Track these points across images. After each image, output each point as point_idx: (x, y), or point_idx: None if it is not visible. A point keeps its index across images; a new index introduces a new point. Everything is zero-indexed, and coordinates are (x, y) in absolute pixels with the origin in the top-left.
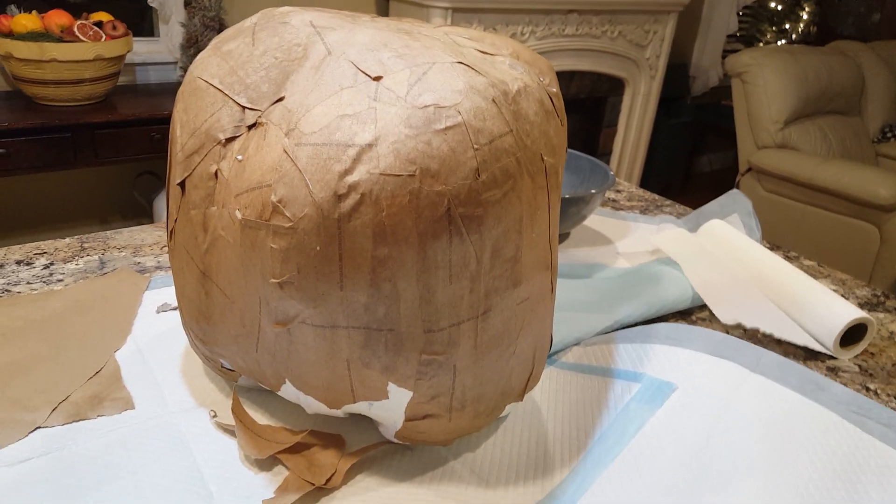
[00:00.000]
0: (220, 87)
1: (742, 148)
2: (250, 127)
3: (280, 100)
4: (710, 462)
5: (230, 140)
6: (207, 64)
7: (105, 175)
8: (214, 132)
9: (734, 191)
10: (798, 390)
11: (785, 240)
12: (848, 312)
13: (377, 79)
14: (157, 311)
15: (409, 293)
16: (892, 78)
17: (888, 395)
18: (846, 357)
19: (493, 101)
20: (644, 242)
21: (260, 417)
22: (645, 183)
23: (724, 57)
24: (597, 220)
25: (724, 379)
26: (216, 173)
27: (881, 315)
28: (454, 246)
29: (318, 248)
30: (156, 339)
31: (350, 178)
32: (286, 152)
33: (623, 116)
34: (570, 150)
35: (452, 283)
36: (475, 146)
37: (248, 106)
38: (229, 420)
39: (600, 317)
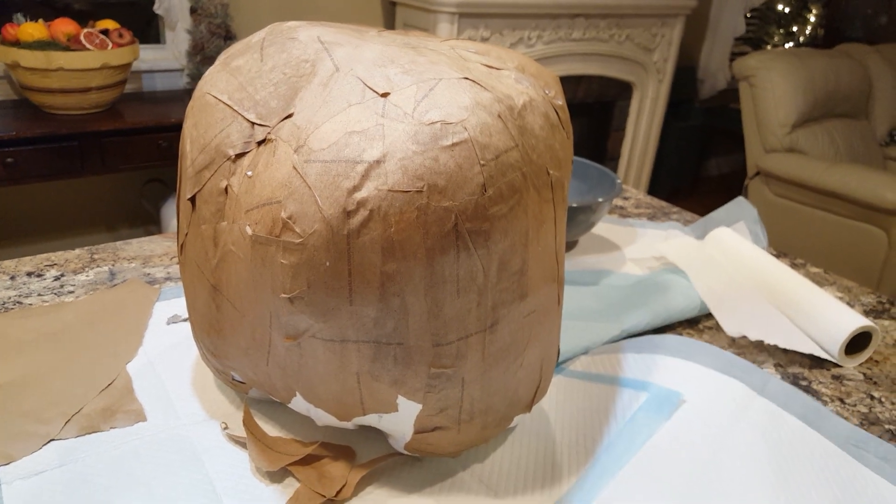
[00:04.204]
0: (229, 102)
1: (750, 152)
2: (260, 143)
3: (289, 116)
4: (716, 475)
5: (240, 156)
6: (216, 80)
7: (112, 183)
8: (224, 148)
9: (740, 198)
10: (801, 418)
11: (793, 244)
12: (853, 321)
13: (385, 95)
14: (168, 323)
15: (418, 307)
16: None
17: (892, 402)
18: (851, 365)
19: (499, 116)
20: (652, 249)
21: (271, 429)
22: (653, 187)
23: (731, 60)
24: (605, 227)
25: (732, 397)
26: (226, 189)
27: (886, 322)
28: (461, 260)
29: (327, 263)
30: (167, 350)
31: (359, 195)
32: (295, 169)
33: (631, 120)
34: (577, 158)
35: (460, 297)
36: (481, 162)
37: (258, 122)
38: (240, 432)
39: (608, 326)
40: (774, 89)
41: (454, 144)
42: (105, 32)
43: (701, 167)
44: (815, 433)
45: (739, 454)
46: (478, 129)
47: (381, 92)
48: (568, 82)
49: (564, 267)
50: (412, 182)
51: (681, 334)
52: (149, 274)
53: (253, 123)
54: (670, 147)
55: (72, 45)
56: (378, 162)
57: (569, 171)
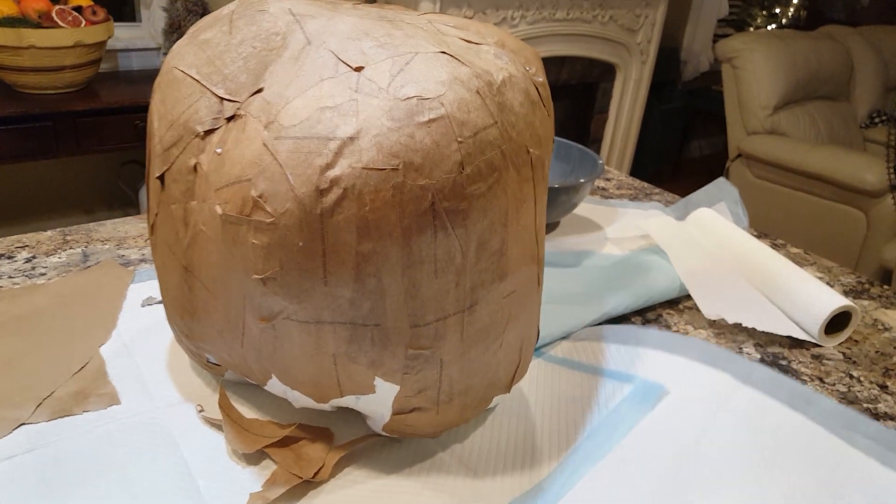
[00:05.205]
0: (197, 77)
1: (732, 134)
2: (229, 119)
3: (259, 91)
4: (697, 466)
5: (209, 132)
6: (184, 53)
7: (89, 164)
8: (192, 124)
9: (721, 179)
10: (787, 403)
11: (774, 225)
12: (832, 301)
13: (358, 69)
14: (143, 305)
15: (395, 288)
16: (881, 63)
17: (871, 381)
18: (831, 345)
19: (478, 92)
20: (633, 228)
21: (247, 411)
22: (636, 169)
23: (714, 42)
24: (586, 208)
25: (715, 388)
26: (195, 167)
27: (865, 302)
28: (439, 240)
29: (300, 243)
30: (141, 333)
31: (332, 173)
32: (266, 146)
33: (614, 102)
34: (559, 139)
35: (438, 278)
36: (459, 139)
37: (227, 97)
38: (216, 415)
39: (588, 308)
40: (757, 71)
41: (431, 121)
42: (78, 9)
43: (683, 149)
44: (801, 417)
45: (723, 442)
46: (455, 104)
47: (354, 66)
48: (551, 64)
49: (545, 248)
50: (387, 159)
51: (661, 315)
52: (123, 256)
53: (222, 99)
54: (653, 129)
55: (43, 22)
56: (352, 139)
57: (549, 149)
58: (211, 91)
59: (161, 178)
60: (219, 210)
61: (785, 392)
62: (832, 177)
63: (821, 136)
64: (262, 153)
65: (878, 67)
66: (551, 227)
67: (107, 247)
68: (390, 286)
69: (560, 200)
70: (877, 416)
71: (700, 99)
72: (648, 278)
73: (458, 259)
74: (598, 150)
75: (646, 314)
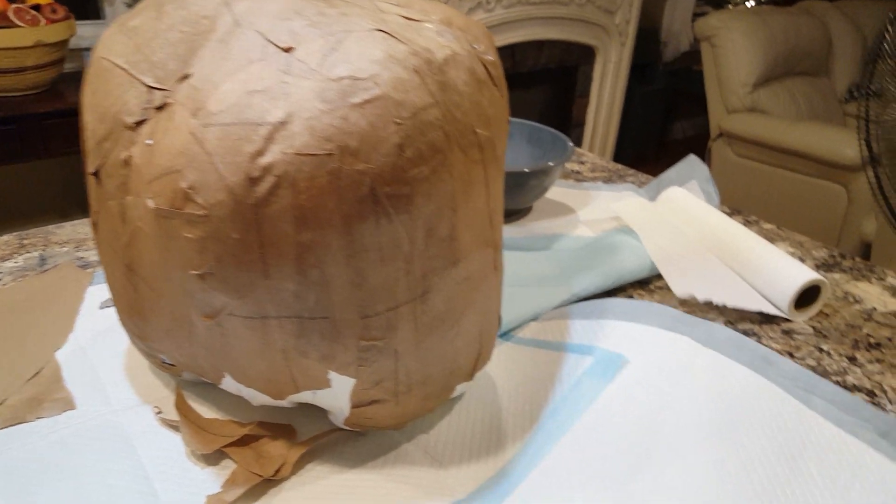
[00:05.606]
0: (125, 66)
1: (713, 113)
2: (159, 108)
3: (186, 77)
4: (660, 436)
5: (139, 123)
6: (112, 42)
7: (60, 168)
8: (122, 116)
9: (691, 156)
10: (749, 366)
11: (757, 203)
12: (801, 275)
13: (288, 50)
14: (101, 307)
15: (340, 279)
16: (859, 37)
17: (840, 354)
18: (802, 319)
19: (416, 70)
20: (606, 210)
21: (207, 411)
22: (619, 152)
23: (694, 21)
24: (560, 192)
25: (676, 354)
26: (128, 160)
27: (837, 276)
28: (382, 227)
29: (235, 236)
30: (99, 336)
31: (263, 160)
32: (193, 134)
33: (595, 85)
34: (530, 123)
35: (385, 266)
36: (397, 120)
37: (155, 86)
38: (175, 416)
39: (557, 290)
40: (735, 49)
41: (365, 102)
42: (36, 8)
43: (666, 131)
44: (762, 379)
45: (684, 409)
46: (391, 84)
47: (284, 47)
48: (530, 48)
49: (519, 233)
50: (320, 144)
51: (632, 296)
52: (82, 258)
53: (150, 87)
54: (635, 112)
55: (0, 21)
56: (282, 123)
57: (503, 130)
58: (139, 80)
59: (96, 173)
60: (151, 204)
61: (746, 354)
62: (812, 152)
63: (801, 113)
64: (190, 142)
65: (856, 42)
66: (524, 211)
67: (65, 249)
68: (335, 277)
69: (531, 185)
70: (846, 388)
71: (682, 80)
72: (619, 258)
73: (406, 246)
74: (580, 134)
75: (616, 294)
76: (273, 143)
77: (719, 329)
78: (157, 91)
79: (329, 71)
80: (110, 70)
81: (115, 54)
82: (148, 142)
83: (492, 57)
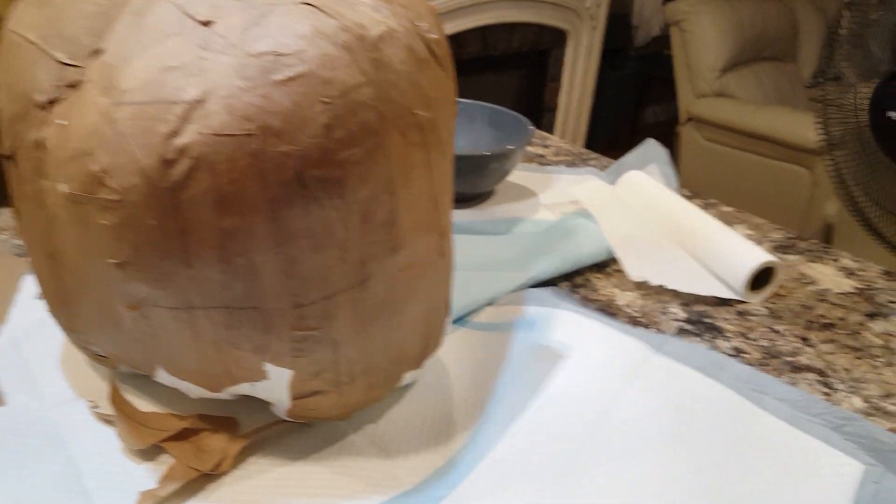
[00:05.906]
0: (36, 41)
1: (682, 97)
2: (72, 86)
3: (99, 53)
4: (610, 432)
5: (52, 102)
6: (23, 15)
7: None
8: (34, 94)
9: (650, 140)
10: (700, 370)
11: (725, 187)
12: (755, 257)
13: (207, 24)
14: (38, 297)
15: (269, 267)
16: (825, 23)
17: (794, 335)
18: (756, 300)
19: (345, 47)
20: (566, 194)
21: (145, 405)
22: (591, 137)
23: (664, 5)
24: (522, 175)
25: (628, 353)
26: (42, 142)
27: (793, 257)
28: (312, 212)
29: (152, 222)
30: (34, 327)
31: (178, 141)
32: (104, 114)
33: (566, 69)
34: (491, 106)
35: (318, 253)
36: (324, 99)
37: (68, 62)
38: (111, 410)
39: (514, 274)
40: (704, 33)
41: (289, 79)
42: None
43: (638, 116)
44: (713, 382)
45: (634, 409)
46: (317, 61)
47: (202, 20)
48: (501, 30)
49: (463, 215)
50: (240, 124)
51: (588, 279)
52: (21, 245)
53: (62, 64)
54: (607, 96)
55: None
56: (199, 101)
57: (449, 111)
58: (51, 56)
59: (11, 156)
60: (64, 189)
61: (698, 359)
62: (777, 136)
63: (768, 97)
64: (101, 122)
65: (822, 27)
66: (485, 195)
67: (3, 237)
68: (263, 265)
69: (491, 168)
70: (798, 368)
71: (653, 65)
72: (577, 241)
73: (340, 232)
74: (552, 119)
75: (573, 278)
76: (189, 123)
77: (671, 340)
78: (69, 67)
79: (250, 46)
80: (21, 45)
81: (26, 28)
82: (62, 122)
83: (436, 35)
